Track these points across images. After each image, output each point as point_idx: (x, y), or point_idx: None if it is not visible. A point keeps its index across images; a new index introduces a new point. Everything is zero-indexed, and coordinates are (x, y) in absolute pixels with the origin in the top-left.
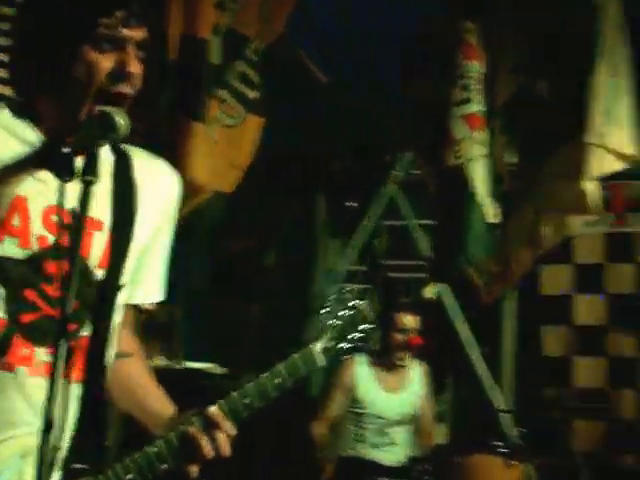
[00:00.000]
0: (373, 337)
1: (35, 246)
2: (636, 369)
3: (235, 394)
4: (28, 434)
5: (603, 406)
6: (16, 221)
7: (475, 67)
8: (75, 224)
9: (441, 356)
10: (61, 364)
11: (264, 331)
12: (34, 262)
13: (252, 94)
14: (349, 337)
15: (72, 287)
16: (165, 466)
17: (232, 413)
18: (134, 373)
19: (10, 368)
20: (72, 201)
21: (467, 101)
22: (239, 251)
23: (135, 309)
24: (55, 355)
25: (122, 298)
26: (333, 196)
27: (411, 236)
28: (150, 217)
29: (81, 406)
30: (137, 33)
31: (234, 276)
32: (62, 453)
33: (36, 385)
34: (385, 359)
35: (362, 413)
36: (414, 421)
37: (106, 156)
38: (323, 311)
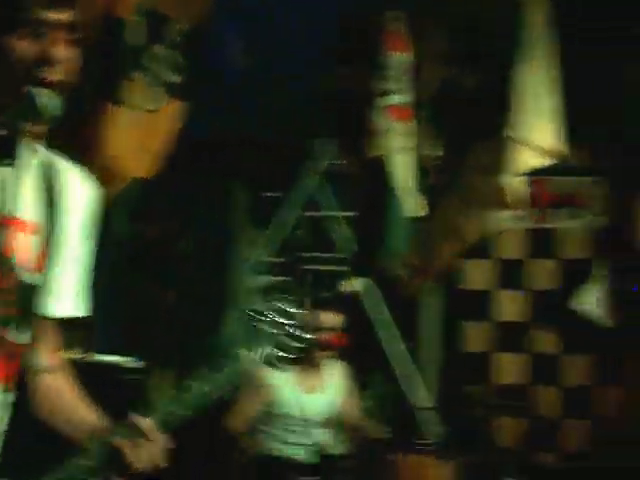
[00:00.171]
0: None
1: None
2: (557, 366)
3: (165, 403)
4: None
5: (524, 403)
6: None
7: (400, 58)
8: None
9: (363, 352)
10: None
11: (181, 321)
12: None
13: (174, 77)
14: (286, 345)
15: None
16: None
17: (162, 423)
18: (60, 386)
19: None
20: None
21: (391, 92)
22: (156, 238)
23: (57, 320)
24: None
25: (48, 308)
26: (253, 185)
27: (332, 228)
28: (73, 223)
29: (12, 414)
30: (63, 15)
31: (150, 264)
32: None
33: None
34: (304, 358)
35: (281, 414)
36: (336, 420)
37: (34, 159)
38: (254, 316)
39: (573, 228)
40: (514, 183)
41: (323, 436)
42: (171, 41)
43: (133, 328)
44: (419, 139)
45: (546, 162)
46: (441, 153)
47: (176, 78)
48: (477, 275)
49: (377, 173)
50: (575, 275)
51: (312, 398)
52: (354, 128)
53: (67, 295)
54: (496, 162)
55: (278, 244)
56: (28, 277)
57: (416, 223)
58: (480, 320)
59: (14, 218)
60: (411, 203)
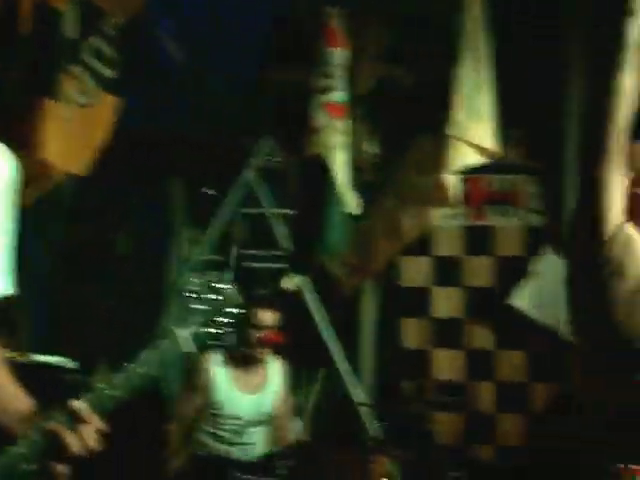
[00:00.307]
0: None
1: None
2: (493, 362)
3: (100, 385)
4: None
5: (461, 399)
6: None
7: (338, 54)
8: None
9: (300, 349)
10: None
11: (118, 320)
12: None
13: (108, 72)
14: (217, 322)
15: None
16: (29, 466)
17: (98, 406)
18: None
19: None
20: None
21: (329, 89)
22: (92, 236)
23: None
24: None
25: None
26: (191, 183)
27: (270, 225)
28: None
29: None
30: None
31: (86, 263)
32: None
33: None
34: (242, 357)
35: (219, 414)
36: (273, 419)
37: None
38: (188, 295)
39: (509, 226)
40: (451, 181)
41: (261, 435)
42: (106, 35)
43: (69, 328)
44: (357, 136)
45: (482, 160)
46: (379, 151)
47: (111, 73)
48: (414, 272)
49: (315, 170)
50: (511, 272)
51: (251, 397)
52: (292, 125)
53: None
54: (433, 160)
55: (216, 242)
56: None
57: (354, 221)
58: (417, 317)
59: None
60: (349, 201)
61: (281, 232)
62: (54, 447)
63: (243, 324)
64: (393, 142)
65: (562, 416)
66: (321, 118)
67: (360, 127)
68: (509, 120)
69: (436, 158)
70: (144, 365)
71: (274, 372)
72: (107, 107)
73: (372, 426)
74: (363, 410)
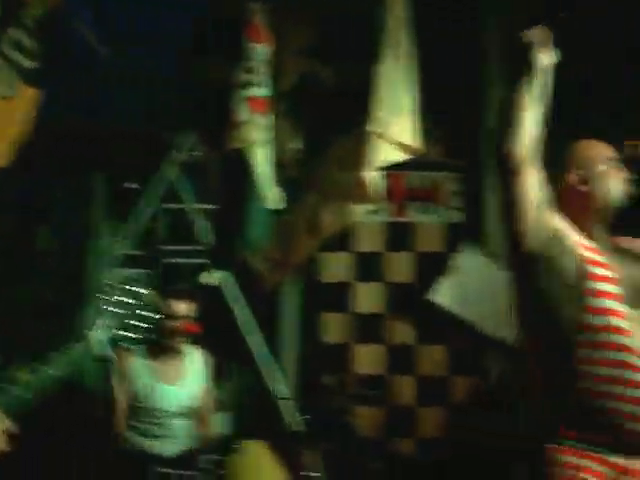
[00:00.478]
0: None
1: None
2: (414, 356)
3: (8, 386)
4: None
5: (382, 393)
6: None
7: (261, 50)
8: None
9: (222, 343)
10: None
11: (37, 316)
12: None
13: (27, 63)
14: (131, 324)
15: None
16: None
17: (5, 406)
18: None
19: None
20: None
21: (251, 84)
22: (11, 230)
23: None
24: None
25: None
26: (112, 176)
27: (191, 220)
28: None
29: None
30: None
31: (5, 257)
32: None
33: None
34: (160, 348)
35: (141, 406)
36: (194, 412)
37: None
38: (103, 297)
39: (429, 222)
40: (372, 177)
41: (183, 428)
42: (26, 26)
43: None
44: (279, 132)
45: (404, 157)
46: (301, 146)
47: (31, 64)
48: (336, 268)
49: (237, 165)
50: (431, 268)
51: (172, 389)
52: (214, 120)
53: None
54: (354, 156)
55: (137, 236)
56: None
57: (275, 216)
58: (338, 312)
59: None
60: (270, 196)
61: (202, 227)
62: None
63: (161, 314)
64: (315, 138)
65: (482, 410)
66: (243, 113)
67: (282, 123)
68: (430, 117)
69: (358, 154)
70: (54, 367)
71: (194, 364)
72: (27, 99)
73: (294, 420)
74: (285, 404)
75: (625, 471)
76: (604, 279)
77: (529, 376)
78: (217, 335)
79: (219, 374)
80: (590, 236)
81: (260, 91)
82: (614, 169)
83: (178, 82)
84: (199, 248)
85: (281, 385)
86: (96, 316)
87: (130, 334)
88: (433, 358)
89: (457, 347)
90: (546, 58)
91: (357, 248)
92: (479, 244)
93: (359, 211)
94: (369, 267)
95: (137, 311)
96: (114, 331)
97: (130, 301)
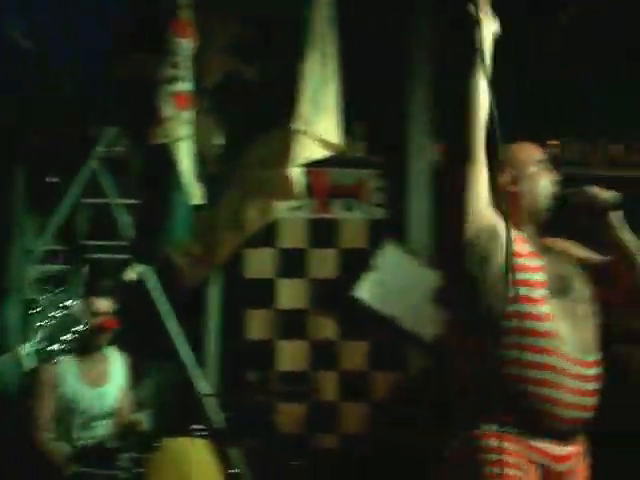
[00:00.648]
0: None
1: None
2: (336, 352)
3: None
4: None
5: (305, 389)
6: None
7: (186, 45)
8: None
9: (143, 340)
10: None
11: None
12: None
13: None
14: (60, 339)
15: None
16: None
17: None
18: None
19: None
20: None
21: (176, 79)
22: None
23: None
24: None
25: None
26: (33, 171)
27: (114, 216)
28: None
29: None
30: None
31: None
32: None
33: None
34: (85, 350)
35: (68, 410)
36: (116, 412)
37: None
38: (33, 312)
39: (352, 219)
40: (295, 174)
41: (106, 429)
42: None
43: None
44: (203, 128)
45: (327, 154)
46: (224, 143)
47: None
48: (259, 264)
49: (160, 161)
50: (354, 265)
51: (96, 391)
52: (138, 115)
53: None
54: (278, 153)
55: (59, 232)
56: None
57: (198, 212)
58: (262, 308)
59: None
60: (193, 192)
61: (125, 222)
62: None
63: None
64: (239, 135)
65: (402, 405)
66: (167, 108)
67: (205, 119)
68: (353, 115)
69: (281, 151)
70: None
71: (117, 365)
72: None
73: (217, 417)
74: (207, 401)
75: (549, 456)
76: (531, 269)
77: (453, 369)
78: (139, 331)
79: (140, 371)
80: (521, 234)
81: (185, 87)
82: (544, 171)
83: (101, 77)
84: (121, 243)
85: (203, 382)
86: (24, 329)
87: (57, 345)
88: (355, 353)
89: (379, 343)
90: (490, 27)
91: (280, 244)
92: (401, 241)
93: (282, 207)
94: (292, 263)
95: (68, 325)
96: (45, 345)
97: (61, 314)
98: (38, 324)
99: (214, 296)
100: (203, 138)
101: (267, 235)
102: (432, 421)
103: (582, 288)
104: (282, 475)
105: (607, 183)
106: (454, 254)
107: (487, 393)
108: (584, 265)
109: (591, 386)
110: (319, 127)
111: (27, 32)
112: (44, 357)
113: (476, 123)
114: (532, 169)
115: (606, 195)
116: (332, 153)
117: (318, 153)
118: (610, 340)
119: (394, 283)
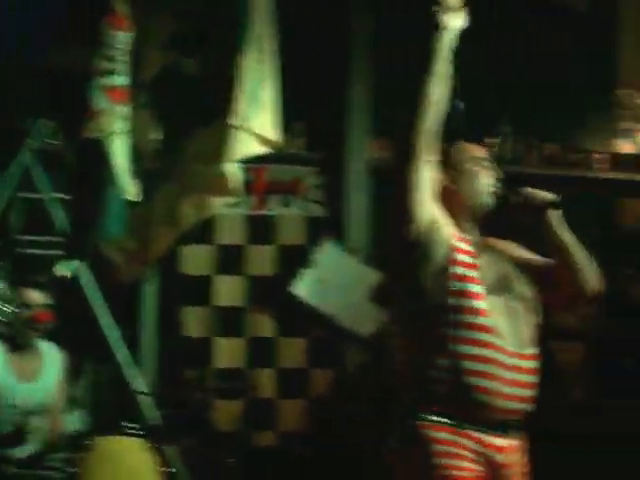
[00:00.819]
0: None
1: None
2: (273, 349)
3: None
4: None
5: (242, 386)
6: None
7: (122, 38)
8: None
9: (77, 337)
10: None
11: None
12: None
13: None
14: None
15: None
16: None
17: None
18: None
19: None
20: None
21: (111, 73)
22: None
23: None
24: None
25: None
26: None
27: (47, 210)
28: None
29: None
30: None
31: None
32: None
33: None
34: (16, 342)
35: None
36: (49, 410)
37: None
38: None
39: (290, 215)
40: (232, 170)
41: (37, 426)
42: None
43: None
44: (139, 123)
45: (264, 150)
46: (160, 137)
47: None
48: (196, 260)
49: (94, 155)
50: (292, 261)
51: (27, 385)
52: (71, 108)
53: None
54: (215, 148)
55: None
56: None
57: (133, 207)
58: (199, 305)
59: None
60: (128, 187)
61: (58, 217)
62: None
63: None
64: (177, 129)
65: (341, 402)
66: (101, 102)
67: (141, 113)
68: (291, 111)
69: (218, 147)
70: None
71: (51, 360)
72: None
73: (152, 415)
74: (143, 399)
75: (489, 446)
76: (468, 265)
77: (393, 364)
78: (73, 328)
79: (75, 369)
80: (462, 232)
81: (120, 80)
82: (483, 169)
83: (34, 69)
84: (55, 239)
85: (139, 379)
86: None
87: None
88: (293, 350)
89: (317, 340)
90: (455, 21)
91: (218, 241)
92: (340, 238)
93: (219, 204)
94: (230, 260)
95: None
96: None
97: None
98: None
99: (150, 293)
100: (140, 133)
101: (204, 231)
102: (370, 417)
103: (521, 288)
104: (219, 474)
105: (544, 182)
106: (397, 248)
107: (426, 385)
108: (526, 266)
109: (527, 378)
110: (256, 123)
111: None
112: None
113: (424, 120)
114: (470, 167)
115: (544, 194)
116: (269, 149)
117: (255, 149)
118: (545, 336)
119: (332, 280)
